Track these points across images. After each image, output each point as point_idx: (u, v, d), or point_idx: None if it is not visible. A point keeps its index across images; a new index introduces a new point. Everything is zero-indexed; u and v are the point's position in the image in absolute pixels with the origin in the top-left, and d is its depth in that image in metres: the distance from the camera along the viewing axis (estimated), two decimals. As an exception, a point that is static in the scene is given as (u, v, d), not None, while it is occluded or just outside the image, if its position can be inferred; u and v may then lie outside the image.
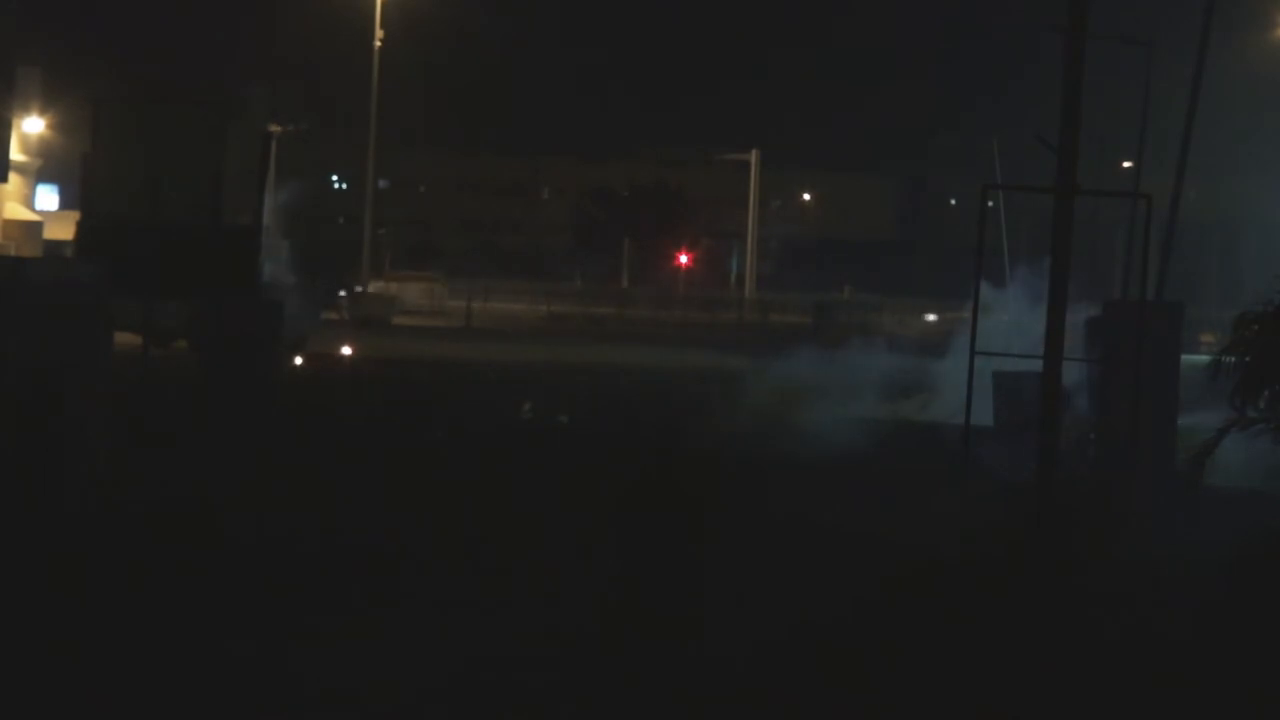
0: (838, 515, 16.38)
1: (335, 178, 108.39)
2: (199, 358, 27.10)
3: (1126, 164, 38.76)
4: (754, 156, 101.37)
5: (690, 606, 11.31)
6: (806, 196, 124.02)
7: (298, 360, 32.15)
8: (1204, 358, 19.41)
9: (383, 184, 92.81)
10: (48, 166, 58.23)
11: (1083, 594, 12.76)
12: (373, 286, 72.07)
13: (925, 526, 15.45)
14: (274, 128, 28.74)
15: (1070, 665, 10.78)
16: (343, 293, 62.96)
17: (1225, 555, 14.11)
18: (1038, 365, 17.30)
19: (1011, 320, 27.41)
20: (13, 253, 47.45)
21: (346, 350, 39.87)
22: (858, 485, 18.89)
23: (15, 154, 54.63)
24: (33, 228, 54.05)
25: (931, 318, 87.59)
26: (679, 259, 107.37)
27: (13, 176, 54.52)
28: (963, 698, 10.08)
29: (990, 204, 31.88)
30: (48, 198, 59.25)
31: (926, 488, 17.89)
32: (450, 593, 11.50)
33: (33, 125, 56.62)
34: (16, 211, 55.39)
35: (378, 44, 72.65)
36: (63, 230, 42.85)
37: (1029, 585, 13.24)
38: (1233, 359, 16.66)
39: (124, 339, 19.67)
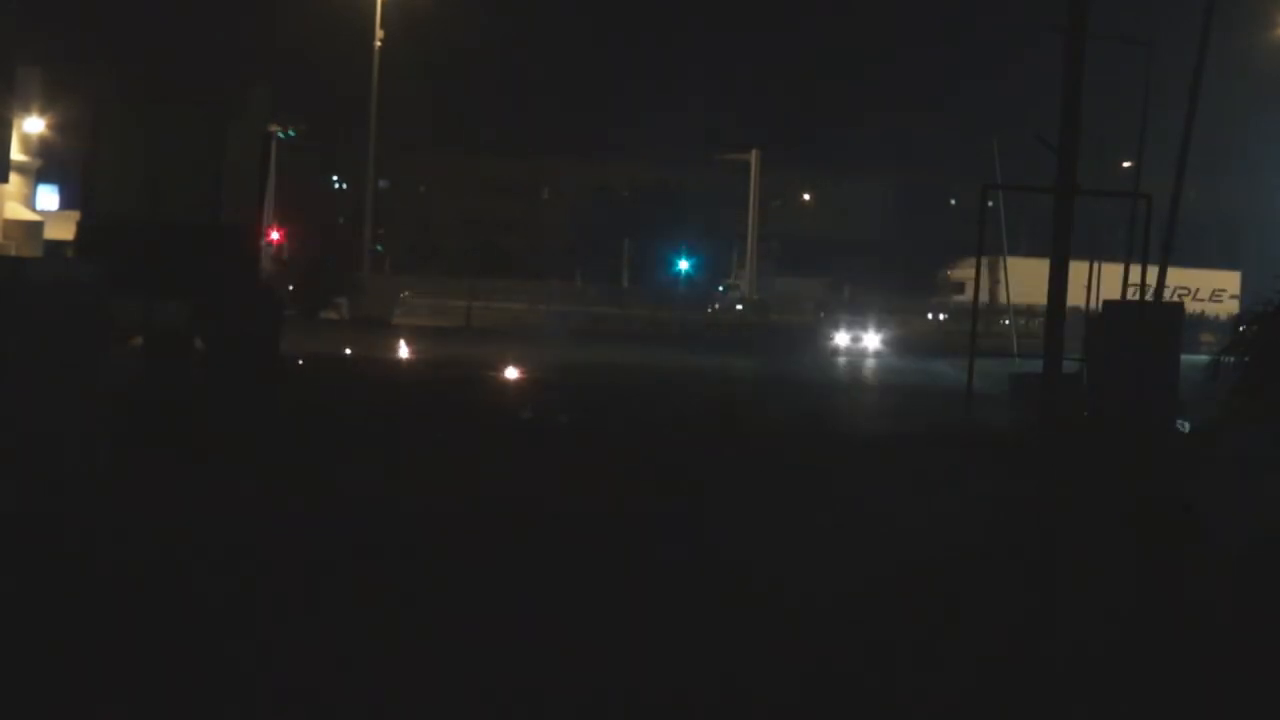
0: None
1: (335, 178, 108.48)
2: (200, 357, 27.13)
3: (1126, 164, 38.78)
4: (754, 156, 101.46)
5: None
6: (806, 196, 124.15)
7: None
8: (1204, 358, 19.47)
9: (383, 184, 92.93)
10: (48, 166, 58.27)
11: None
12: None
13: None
14: (274, 128, 28.71)
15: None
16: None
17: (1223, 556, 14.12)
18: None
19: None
20: (13, 253, 47.50)
21: (346, 350, 39.96)
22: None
23: (15, 154, 54.66)
24: (33, 228, 54.10)
25: (931, 316, 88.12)
26: (679, 259, 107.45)
27: (13, 176, 54.54)
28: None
29: (990, 204, 31.92)
30: (48, 198, 59.29)
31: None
32: (451, 592, 11.52)
33: (33, 125, 56.67)
34: (17, 211, 55.42)
35: (378, 44, 72.74)
36: (63, 230, 42.91)
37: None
38: (1232, 359, 16.71)
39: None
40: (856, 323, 60.17)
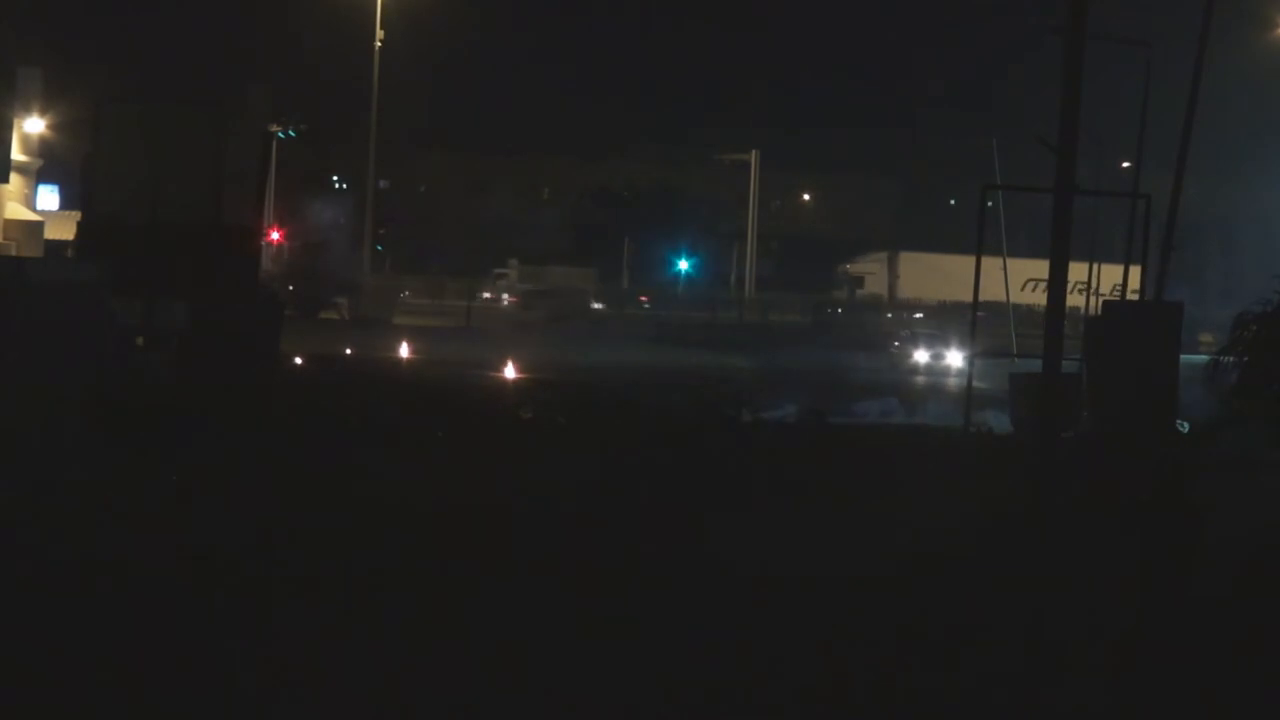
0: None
1: (335, 178, 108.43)
2: (197, 357, 27.11)
3: (1126, 164, 38.80)
4: (754, 156, 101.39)
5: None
6: (806, 196, 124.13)
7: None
8: (1204, 358, 19.46)
9: (383, 184, 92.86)
10: (48, 166, 58.28)
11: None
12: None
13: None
14: (274, 128, 28.73)
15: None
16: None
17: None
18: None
19: None
20: (14, 253, 47.49)
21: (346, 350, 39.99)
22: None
23: (15, 154, 54.64)
24: (34, 228, 54.10)
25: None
26: (679, 259, 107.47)
27: (13, 176, 54.52)
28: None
29: (990, 204, 31.95)
30: (48, 198, 59.31)
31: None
32: (450, 594, 11.53)
33: (33, 125, 56.66)
34: (17, 211, 55.42)
35: (378, 44, 72.72)
36: (63, 230, 42.85)
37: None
38: (1231, 359, 16.69)
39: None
40: (937, 338, 54.90)
